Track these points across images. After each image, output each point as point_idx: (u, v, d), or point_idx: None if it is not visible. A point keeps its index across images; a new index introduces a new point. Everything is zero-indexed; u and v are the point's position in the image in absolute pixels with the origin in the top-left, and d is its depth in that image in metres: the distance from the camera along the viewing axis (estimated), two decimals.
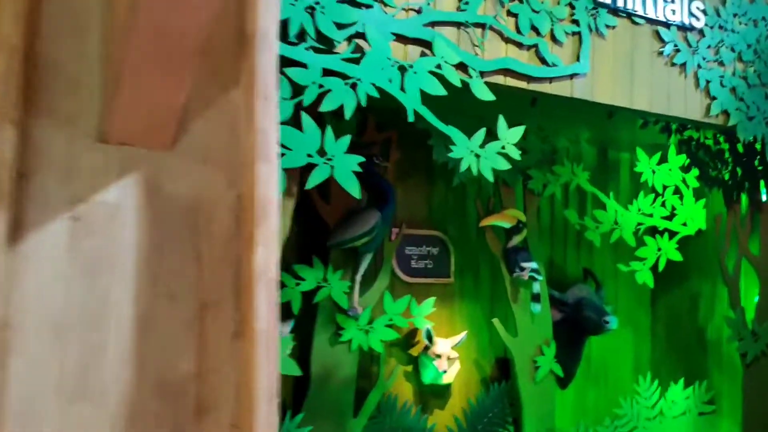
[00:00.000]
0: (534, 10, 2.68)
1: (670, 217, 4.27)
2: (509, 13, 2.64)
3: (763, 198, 3.85)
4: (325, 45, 2.22)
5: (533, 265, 3.70)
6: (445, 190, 4.00)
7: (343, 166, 2.22)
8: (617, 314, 4.47)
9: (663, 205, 4.24)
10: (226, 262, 0.98)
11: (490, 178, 2.52)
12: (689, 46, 3.10)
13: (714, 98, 3.16)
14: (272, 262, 0.95)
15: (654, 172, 4.20)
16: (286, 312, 3.19)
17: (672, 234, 4.26)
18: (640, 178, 4.22)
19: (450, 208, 4.03)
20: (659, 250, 4.21)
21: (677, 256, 4.21)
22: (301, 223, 3.57)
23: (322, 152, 2.21)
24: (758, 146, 3.39)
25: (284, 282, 3.20)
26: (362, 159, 2.27)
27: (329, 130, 2.20)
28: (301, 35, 2.17)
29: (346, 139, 2.23)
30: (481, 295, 4.10)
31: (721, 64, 3.20)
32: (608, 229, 4.07)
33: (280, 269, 3.11)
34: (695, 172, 3.87)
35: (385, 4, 2.36)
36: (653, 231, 4.30)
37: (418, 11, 2.44)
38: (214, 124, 1.01)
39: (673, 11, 3.02)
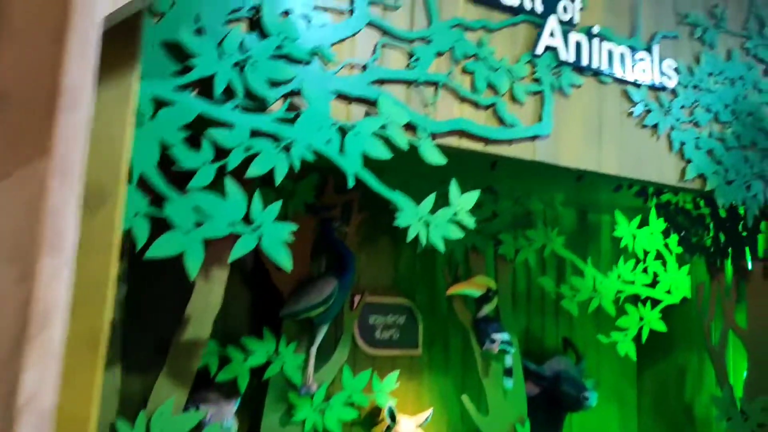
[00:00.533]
0: (492, 68, 2.51)
1: (652, 285, 4.05)
2: (464, 71, 2.47)
3: (749, 266, 3.62)
4: (257, 104, 2.03)
5: (504, 336, 3.45)
6: (412, 255, 3.78)
7: (273, 236, 2.00)
8: (600, 387, 4.19)
9: (645, 271, 4.03)
10: (1, 382, 0.74)
11: (441, 248, 2.30)
12: (661, 106, 2.93)
13: (689, 161, 2.97)
14: (49, 390, 0.71)
15: (635, 236, 4.00)
16: (231, 390, 2.92)
17: (655, 302, 4.03)
18: (620, 242, 4.02)
19: (418, 275, 3.81)
20: (642, 319, 3.98)
21: (661, 327, 3.97)
22: (253, 292, 3.34)
23: (249, 220, 1.99)
24: (741, 211, 3.19)
25: (231, 356, 2.95)
26: (294, 227, 2.05)
27: (257, 196, 1.99)
28: (229, 93, 1.99)
29: (276, 206, 2.02)
30: (452, 368, 3.82)
31: (697, 125, 3.03)
32: (586, 298, 3.83)
33: (227, 342, 2.82)
34: (675, 237, 3.66)
35: (326, 61, 2.19)
36: (635, 299, 4.07)
37: (363, 68, 2.26)
38: (4, 204, 0.78)
39: (644, 70, 2.86)
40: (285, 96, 2.10)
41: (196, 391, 2.70)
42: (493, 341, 3.43)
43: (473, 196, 2.39)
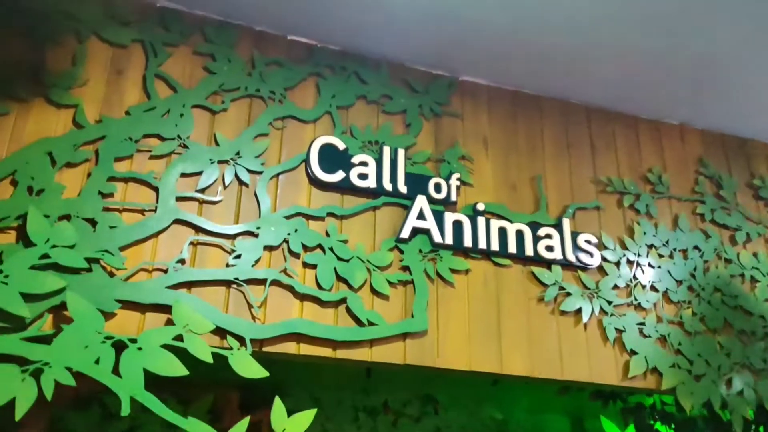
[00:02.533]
0: (341, 259, 2.15)
1: None
2: (306, 265, 2.13)
3: None
4: (8, 323, 1.74)
5: None
6: None
7: None
8: None
9: None
10: None
11: None
12: (585, 288, 2.43)
13: (633, 353, 2.38)
14: None
15: None
16: None
17: None
18: None
19: None
20: None
21: None
22: None
23: None
24: (725, 415, 2.48)
25: None
26: None
27: None
28: None
29: None
30: None
31: (639, 308, 2.48)
32: None
33: None
34: None
35: (113, 267, 1.90)
36: None
37: (164, 271, 1.96)
38: None
39: (550, 248, 2.42)
40: (50, 310, 1.81)
41: None
42: None
43: (305, 418, 1.90)
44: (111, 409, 2.75)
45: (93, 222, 1.93)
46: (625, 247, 2.56)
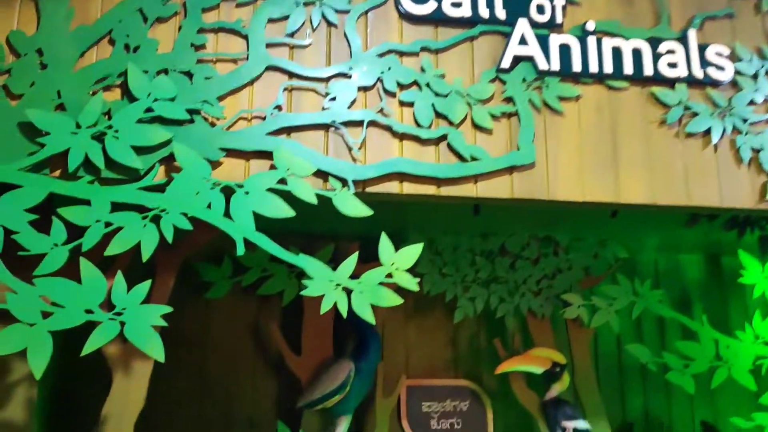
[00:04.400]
0: (438, 94, 2.06)
1: None
2: (402, 104, 2.06)
3: None
4: (124, 175, 1.84)
5: (580, 424, 2.74)
6: (475, 326, 3.23)
7: (137, 322, 1.74)
8: None
9: None
10: None
11: (371, 319, 1.84)
12: (715, 106, 2.18)
13: None
14: None
15: None
16: None
17: None
18: (753, 292, 3.07)
19: (483, 350, 3.22)
20: None
21: None
22: (279, 380, 3.04)
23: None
24: None
25: None
26: (168, 309, 1.77)
27: (119, 278, 1.76)
28: (88, 167, 1.82)
29: (143, 287, 1.77)
30: None
31: None
32: (705, 369, 2.93)
33: None
34: None
35: (214, 117, 1.94)
36: None
37: (263, 118, 1.97)
38: None
39: (673, 64, 2.17)
40: (161, 162, 1.89)
41: None
42: (563, 430, 2.74)
43: (413, 252, 1.91)
44: (242, 262, 2.91)
45: (189, 74, 1.96)
46: (763, 57, 2.26)
